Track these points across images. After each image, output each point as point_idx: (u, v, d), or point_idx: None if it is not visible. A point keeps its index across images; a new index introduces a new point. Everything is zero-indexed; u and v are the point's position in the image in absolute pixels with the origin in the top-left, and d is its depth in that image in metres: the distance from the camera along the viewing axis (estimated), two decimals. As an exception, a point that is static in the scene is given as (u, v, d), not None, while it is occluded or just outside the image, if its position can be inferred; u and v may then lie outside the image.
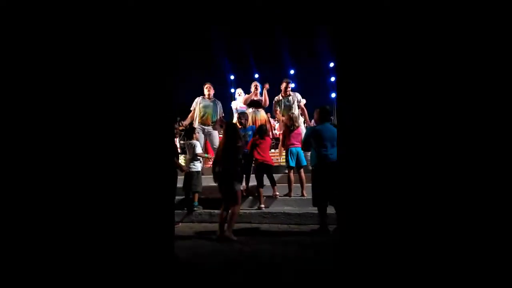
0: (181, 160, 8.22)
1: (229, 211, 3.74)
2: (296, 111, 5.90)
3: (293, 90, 6.22)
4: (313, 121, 8.72)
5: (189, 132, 5.30)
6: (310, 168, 4.42)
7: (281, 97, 6.07)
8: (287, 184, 5.03)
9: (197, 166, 4.96)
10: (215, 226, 3.95)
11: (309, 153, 4.44)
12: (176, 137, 8.59)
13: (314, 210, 4.44)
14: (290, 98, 6.02)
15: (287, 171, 5.14)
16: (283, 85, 6.04)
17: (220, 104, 6.22)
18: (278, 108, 6.04)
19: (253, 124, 5.79)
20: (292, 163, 4.96)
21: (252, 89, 6.21)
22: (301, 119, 6.10)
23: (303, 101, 6.26)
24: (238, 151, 3.89)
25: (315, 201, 3.97)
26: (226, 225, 3.70)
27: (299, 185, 5.00)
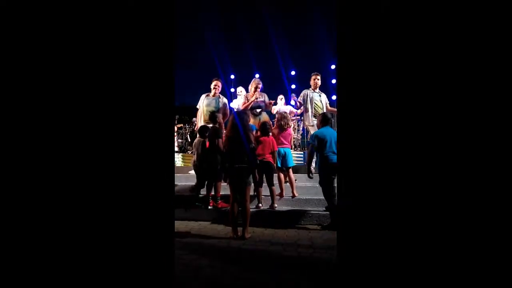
0: (180, 158, 8.17)
1: (243, 210, 3.69)
2: (324, 109, 5.52)
3: (295, 91, 6.04)
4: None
5: (202, 131, 5.02)
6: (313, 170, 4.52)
7: (312, 90, 5.60)
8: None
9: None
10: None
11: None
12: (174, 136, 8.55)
13: (311, 209, 4.56)
14: (322, 95, 5.59)
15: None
16: (314, 79, 5.58)
17: (224, 100, 5.72)
18: (310, 102, 5.53)
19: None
20: (279, 163, 4.87)
21: (252, 89, 5.64)
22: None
23: None
24: (251, 140, 3.71)
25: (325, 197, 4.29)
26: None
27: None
